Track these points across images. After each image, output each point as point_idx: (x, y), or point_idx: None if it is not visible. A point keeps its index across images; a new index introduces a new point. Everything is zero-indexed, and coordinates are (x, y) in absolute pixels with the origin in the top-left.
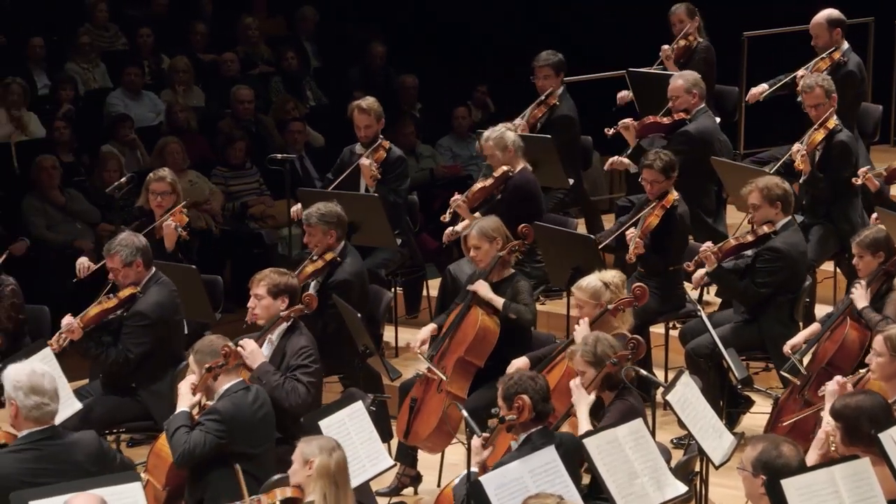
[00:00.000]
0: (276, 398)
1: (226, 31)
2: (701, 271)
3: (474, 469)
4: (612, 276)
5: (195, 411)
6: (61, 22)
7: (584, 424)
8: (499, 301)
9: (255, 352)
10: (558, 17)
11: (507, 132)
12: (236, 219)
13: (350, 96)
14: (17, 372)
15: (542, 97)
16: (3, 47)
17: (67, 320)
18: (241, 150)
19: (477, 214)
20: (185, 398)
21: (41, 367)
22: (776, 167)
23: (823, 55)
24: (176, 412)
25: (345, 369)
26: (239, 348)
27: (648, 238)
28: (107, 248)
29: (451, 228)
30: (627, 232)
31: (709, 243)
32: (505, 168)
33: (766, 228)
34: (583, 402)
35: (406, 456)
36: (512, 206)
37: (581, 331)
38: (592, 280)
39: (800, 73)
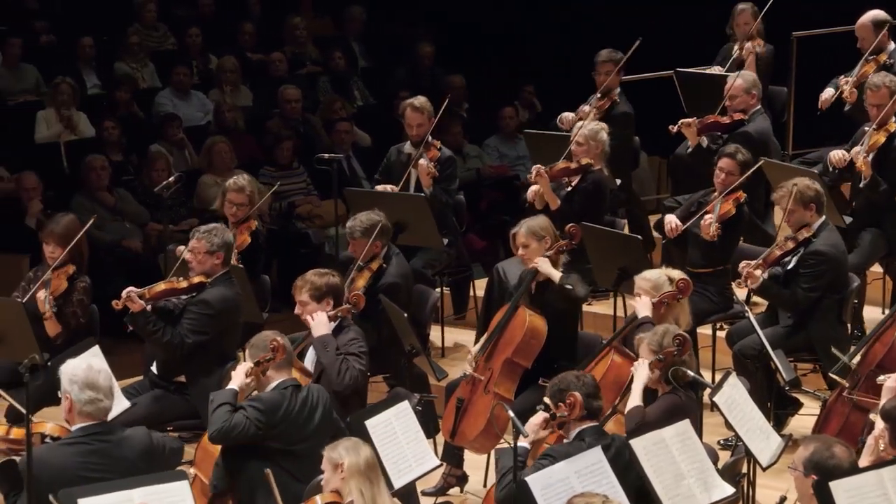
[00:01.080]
0: (331, 370)
1: (274, 31)
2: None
3: (525, 444)
4: (679, 274)
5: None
6: (111, 22)
7: (636, 398)
8: (556, 275)
9: (322, 323)
10: (605, 17)
11: (602, 131)
12: (283, 218)
13: (397, 96)
14: (74, 367)
15: (602, 93)
16: (54, 47)
17: (129, 290)
18: (289, 149)
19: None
20: (237, 378)
21: (98, 363)
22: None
23: (869, 57)
24: (224, 388)
25: (391, 369)
26: (308, 317)
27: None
28: (196, 231)
29: (533, 187)
30: (706, 217)
31: (745, 262)
32: (589, 160)
33: (804, 233)
34: (641, 377)
35: (452, 456)
36: (585, 200)
37: (641, 304)
38: (658, 272)
39: (842, 79)
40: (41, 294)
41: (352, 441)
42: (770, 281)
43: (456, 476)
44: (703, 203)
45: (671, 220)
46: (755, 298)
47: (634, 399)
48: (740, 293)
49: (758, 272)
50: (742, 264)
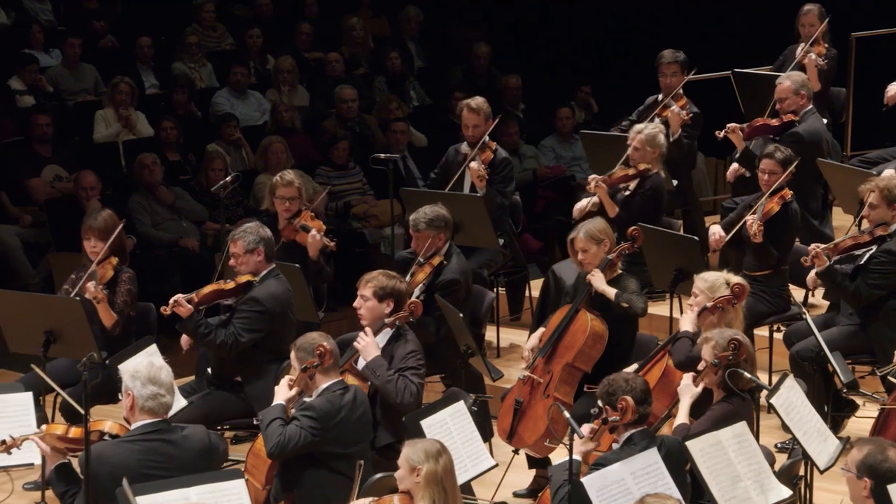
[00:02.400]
0: (386, 392)
1: (330, 31)
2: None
3: (577, 457)
4: (738, 279)
5: (291, 409)
6: (169, 22)
7: (682, 416)
8: (611, 292)
9: (371, 344)
10: (662, 17)
11: (660, 133)
12: (339, 218)
13: (453, 97)
14: (137, 364)
15: (669, 94)
16: (113, 48)
17: (177, 297)
18: (345, 149)
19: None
20: (282, 392)
21: (159, 360)
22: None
23: None
24: (272, 405)
25: (447, 369)
26: (356, 343)
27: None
28: (231, 234)
29: (581, 202)
30: (748, 218)
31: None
32: (647, 165)
33: (881, 231)
34: (687, 394)
35: (541, 459)
36: (644, 204)
37: (686, 319)
38: (717, 274)
39: None
40: (90, 284)
41: (434, 445)
42: (836, 269)
43: (546, 477)
44: (751, 206)
45: (716, 231)
46: (812, 300)
47: (681, 417)
48: (798, 294)
49: (825, 255)
50: (813, 245)
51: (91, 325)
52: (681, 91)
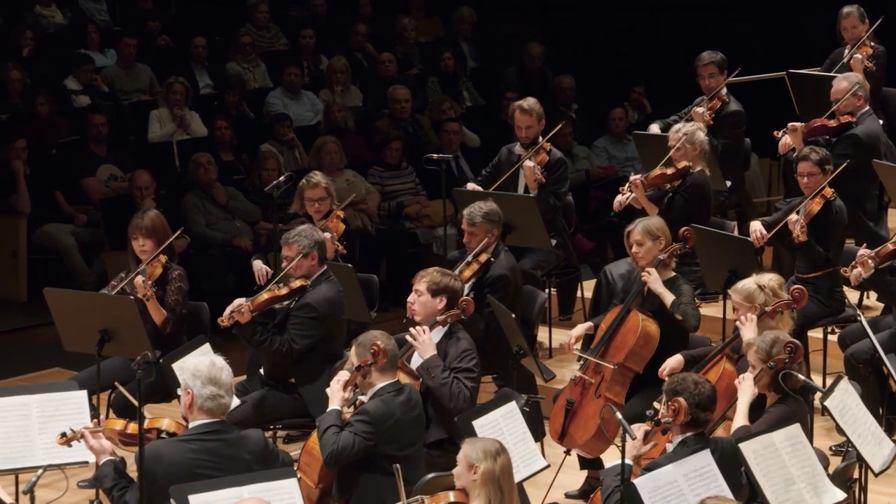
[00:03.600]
0: (440, 395)
1: (384, 31)
2: (857, 272)
3: (629, 461)
4: (769, 278)
5: (347, 410)
6: (224, 23)
7: (741, 418)
8: (668, 297)
9: (427, 342)
10: (715, 18)
11: (698, 131)
12: (392, 218)
13: (506, 97)
14: (198, 363)
15: (710, 95)
16: (167, 48)
17: (237, 302)
18: (398, 149)
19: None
20: (336, 396)
21: (221, 360)
22: None
23: None
24: (327, 411)
25: (499, 369)
26: (409, 338)
27: (808, 228)
28: (285, 238)
29: (620, 196)
30: (790, 217)
31: (865, 248)
32: (687, 163)
33: None
34: (746, 393)
35: (593, 460)
36: (686, 205)
37: (747, 328)
38: (748, 282)
39: None
40: (139, 279)
41: (493, 444)
42: (882, 275)
43: (598, 478)
44: (795, 208)
45: (756, 228)
46: (867, 302)
47: (740, 419)
48: (852, 296)
49: (870, 262)
50: (861, 251)
51: (144, 324)
52: (723, 91)
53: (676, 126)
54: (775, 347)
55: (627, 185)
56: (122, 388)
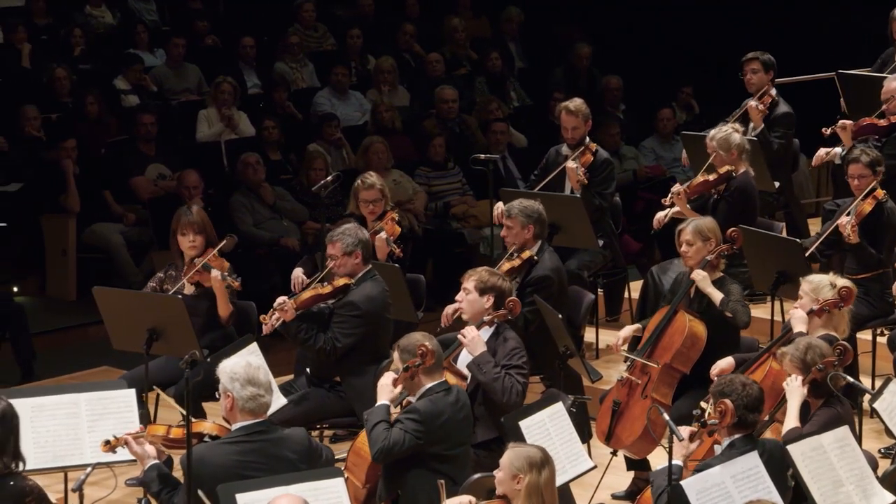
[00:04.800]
0: (492, 390)
1: (431, 31)
2: None
3: (678, 462)
4: (845, 282)
5: (395, 409)
6: (271, 22)
7: (792, 420)
8: (718, 295)
9: (476, 339)
10: (765, 18)
11: (732, 133)
12: (439, 218)
13: (553, 97)
14: (234, 364)
15: (757, 94)
16: (216, 48)
17: (281, 299)
18: (440, 145)
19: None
20: (386, 391)
21: (256, 360)
22: None
23: None
24: (376, 405)
25: (546, 370)
26: (460, 336)
27: (859, 229)
28: (329, 236)
29: (661, 213)
30: (841, 219)
31: None
32: (729, 168)
33: None
34: (796, 395)
35: (640, 461)
36: (731, 208)
37: (796, 317)
38: (823, 277)
39: None
40: (215, 272)
41: (538, 454)
42: None
43: (645, 480)
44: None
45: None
46: None
47: (791, 420)
48: None
49: None
50: None
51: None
52: (772, 91)
53: (711, 133)
54: (809, 353)
55: (669, 197)
56: (163, 393)
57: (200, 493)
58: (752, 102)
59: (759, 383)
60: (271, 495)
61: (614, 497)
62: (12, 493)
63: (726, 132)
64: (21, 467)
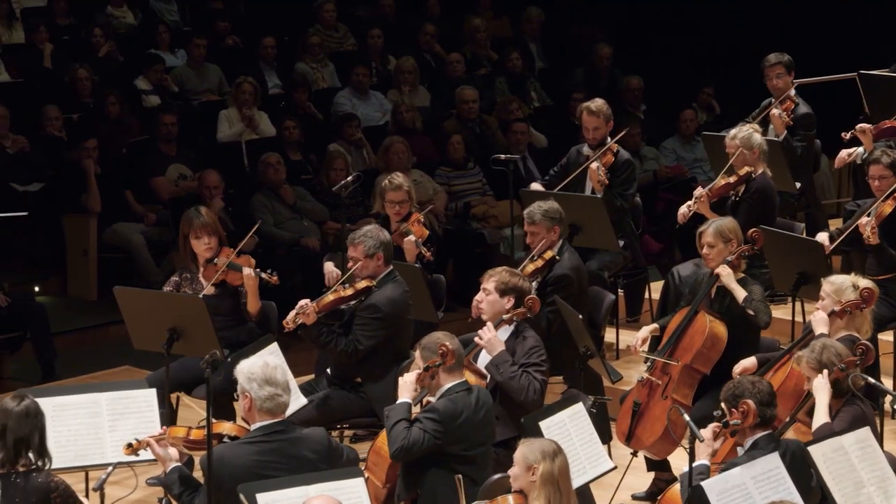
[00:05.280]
0: (510, 389)
1: (452, 31)
2: None
3: (706, 461)
4: (867, 283)
5: (415, 408)
6: (292, 23)
7: (822, 415)
8: (741, 293)
9: (494, 340)
10: (786, 18)
11: (754, 134)
12: (459, 218)
13: (573, 98)
14: (251, 365)
15: (779, 97)
16: (236, 48)
17: (304, 302)
18: (459, 143)
19: None
20: (407, 389)
21: (273, 360)
22: None
23: None
24: (397, 403)
25: (563, 369)
26: (476, 338)
27: (879, 230)
28: (351, 238)
29: (684, 208)
30: (861, 220)
31: None
32: (749, 169)
33: None
34: (824, 392)
35: (660, 462)
36: (751, 209)
37: (817, 318)
38: (846, 278)
39: None
40: (247, 270)
41: (550, 445)
42: None
43: (665, 480)
44: (866, 211)
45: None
46: None
47: (821, 417)
48: None
49: None
50: None
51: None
52: (791, 93)
53: (732, 132)
54: (825, 354)
55: (693, 201)
56: (186, 397)
57: (242, 495)
58: (775, 111)
59: (781, 384)
60: (291, 495)
61: (634, 498)
62: (38, 488)
63: (748, 132)
64: (48, 465)
